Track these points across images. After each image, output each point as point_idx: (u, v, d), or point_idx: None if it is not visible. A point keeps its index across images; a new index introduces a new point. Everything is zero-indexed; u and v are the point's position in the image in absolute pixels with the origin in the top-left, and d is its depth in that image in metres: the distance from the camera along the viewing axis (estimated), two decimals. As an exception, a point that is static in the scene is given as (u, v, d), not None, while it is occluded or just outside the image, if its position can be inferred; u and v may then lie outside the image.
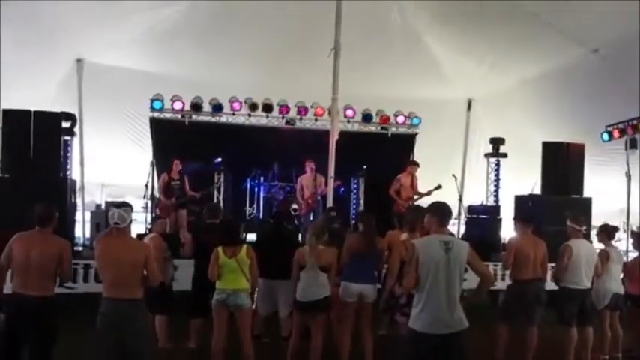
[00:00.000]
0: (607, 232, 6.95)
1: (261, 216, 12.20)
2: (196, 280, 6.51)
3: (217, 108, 11.81)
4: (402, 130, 12.99)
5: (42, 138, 8.66)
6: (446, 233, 4.40)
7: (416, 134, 12.93)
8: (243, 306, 5.54)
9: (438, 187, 10.75)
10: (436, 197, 10.10)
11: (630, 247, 8.57)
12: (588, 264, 6.36)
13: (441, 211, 4.38)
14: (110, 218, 4.58)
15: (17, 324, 4.63)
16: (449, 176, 11.09)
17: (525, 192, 10.73)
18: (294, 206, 11.30)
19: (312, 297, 5.62)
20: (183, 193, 10.18)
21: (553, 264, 6.58)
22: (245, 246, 5.66)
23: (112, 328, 4.44)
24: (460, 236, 10.94)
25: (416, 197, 10.60)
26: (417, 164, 10.87)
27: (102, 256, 4.61)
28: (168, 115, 11.86)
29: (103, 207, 10.85)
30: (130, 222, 4.71)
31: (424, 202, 8.57)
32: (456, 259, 4.14)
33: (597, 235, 7.13)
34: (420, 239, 4.36)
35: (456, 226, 12.20)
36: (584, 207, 9.99)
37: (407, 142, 12.94)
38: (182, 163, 10.42)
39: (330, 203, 9.44)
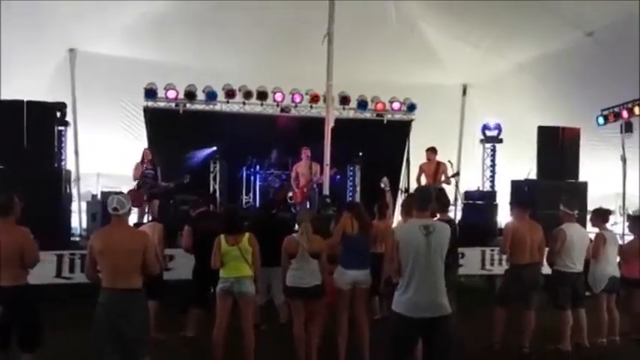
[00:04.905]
0: (601, 216, 6.97)
1: (257, 204, 12.19)
2: (197, 269, 6.52)
3: (211, 96, 11.74)
4: (398, 116, 12.94)
5: (36, 128, 8.55)
6: (427, 218, 4.40)
7: (411, 120, 12.89)
8: (247, 293, 5.53)
9: (456, 175, 10.72)
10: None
11: (627, 231, 8.59)
12: (581, 248, 6.41)
13: (418, 197, 4.52)
14: (109, 204, 4.57)
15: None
16: (445, 162, 11.06)
17: (521, 177, 10.73)
18: (290, 194, 11.32)
19: (302, 284, 5.60)
20: (155, 183, 10.13)
21: (549, 248, 6.60)
22: (247, 234, 5.63)
23: (109, 318, 4.41)
24: (457, 222, 10.94)
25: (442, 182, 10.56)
26: (432, 149, 10.61)
27: (100, 245, 4.55)
28: (162, 104, 11.78)
29: (99, 197, 10.80)
30: (129, 210, 4.71)
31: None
32: (436, 243, 4.17)
33: (591, 219, 7.13)
34: (399, 226, 4.38)
35: (453, 212, 12.20)
36: (580, 191, 9.99)
37: (402, 128, 12.91)
38: (153, 152, 10.42)
39: (326, 191, 9.42)
